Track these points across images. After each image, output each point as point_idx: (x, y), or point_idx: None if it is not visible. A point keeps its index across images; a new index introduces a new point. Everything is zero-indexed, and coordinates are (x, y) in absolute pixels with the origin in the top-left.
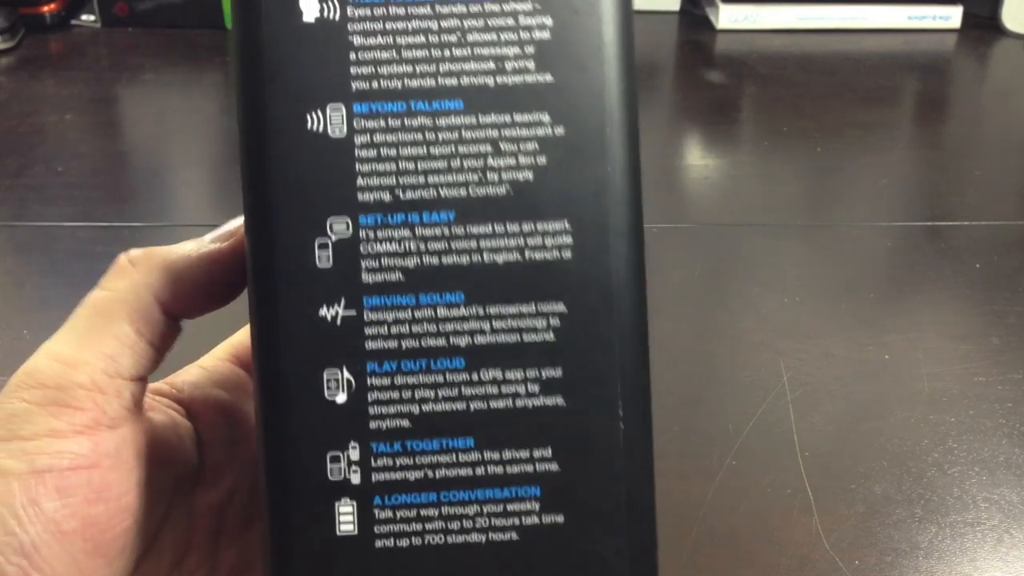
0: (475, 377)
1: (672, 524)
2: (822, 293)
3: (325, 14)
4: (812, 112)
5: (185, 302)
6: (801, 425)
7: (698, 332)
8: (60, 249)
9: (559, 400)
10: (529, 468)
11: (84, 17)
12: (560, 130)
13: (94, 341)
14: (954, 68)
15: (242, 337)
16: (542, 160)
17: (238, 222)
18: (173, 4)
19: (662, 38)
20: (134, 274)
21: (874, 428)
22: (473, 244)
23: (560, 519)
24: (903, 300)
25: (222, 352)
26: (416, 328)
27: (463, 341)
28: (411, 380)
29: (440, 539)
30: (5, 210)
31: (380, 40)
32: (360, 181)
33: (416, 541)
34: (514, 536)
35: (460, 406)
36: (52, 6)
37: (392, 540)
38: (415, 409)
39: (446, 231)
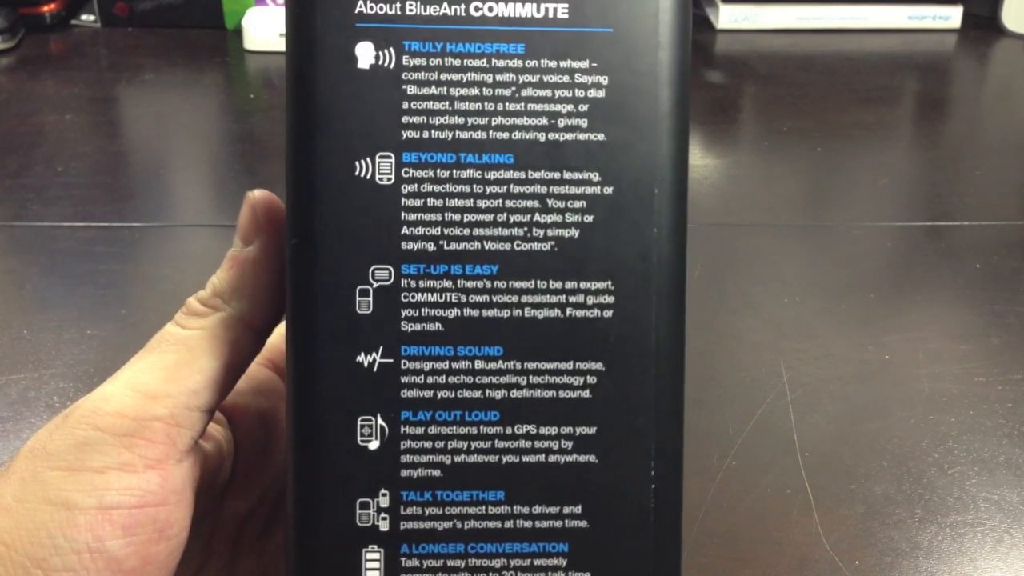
0: (509, 431)
1: None
2: (822, 293)
3: (380, 61)
4: (812, 112)
5: (267, 308)
6: (801, 425)
7: (698, 332)
8: (60, 249)
9: (592, 458)
10: (558, 524)
11: (84, 17)
12: (609, 190)
13: (183, 375)
14: (954, 68)
15: (275, 340)
16: (589, 219)
17: (242, 220)
18: (173, 4)
19: None
20: (217, 307)
21: (874, 428)
22: (514, 299)
23: None
24: (903, 300)
25: (258, 357)
26: (452, 379)
27: (499, 394)
28: (445, 430)
29: None
30: (5, 210)
31: (433, 90)
32: (405, 230)
33: None
34: None
35: (492, 459)
36: (52, 6)
37: None
38: (447, 459)
39: (488, 284)
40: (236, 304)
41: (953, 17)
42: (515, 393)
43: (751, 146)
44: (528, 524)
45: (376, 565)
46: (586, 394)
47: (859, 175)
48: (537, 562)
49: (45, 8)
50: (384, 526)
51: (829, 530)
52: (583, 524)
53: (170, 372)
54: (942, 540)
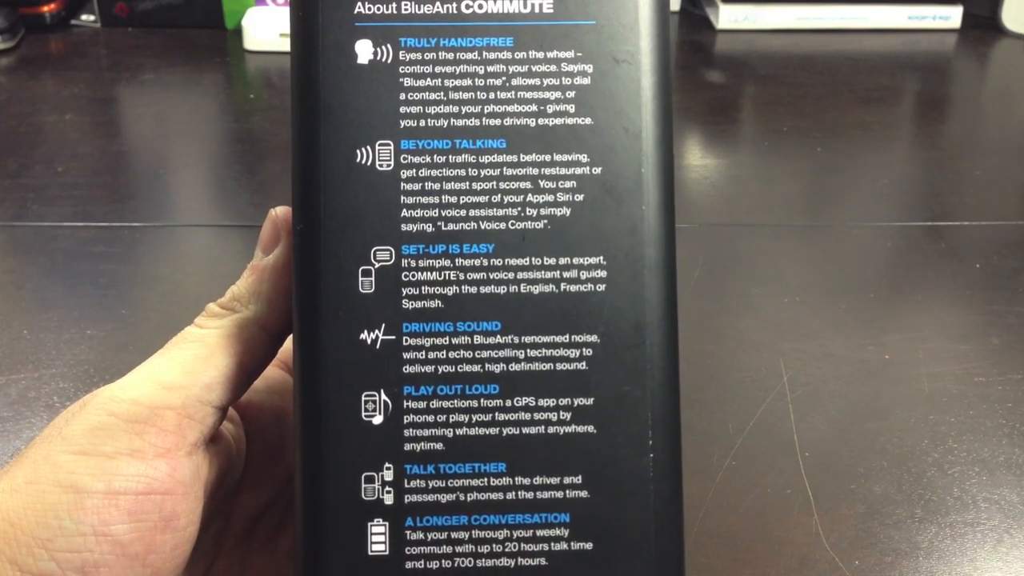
0: (508, 403)
1: None
2: (822, 293)
3: (378, 57)
4: (812, 112)
5: (282, 313)
6: (801, 425)
7: (698, 332)
8: (60, 249)
9: (590, 428)
10: (559, 495)
11: (84, 17)
12: (598, 170)
13: (198, 369)
14: (954, 68)
15: (291, 344)
16: (579, 198)
17: (264, 233)
18: (173, 4)
19: None
20: (235, 309)
21: (874, 428)
22: (511, 275)
23: (588, 546)
24: (903, 300)
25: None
26: (452, 354)
27: (498, 368)
28: (446, 404)
29: (470, 562)
30: (5, 210)
31: (429, 82)
32: (404, 212)
33: (446, 564)
34: (543, 561)
35: (493, 431)
36: (52, 6)
37: (423, 562)
38: (449, 433)
39: (485, 262)
40: (253, 307)
41: (953, 17)
42: (513, 366)
43: (751, 146)
44: (530, 495)
45: (381, 538)
46: (582, 366)
47: (859, 175)
48: (539, 533)
49: (45, 8)
50: (389, 500)
51: (829, 530)
52: (584, 494)
53: (187, 366)
54: (942, 540)
